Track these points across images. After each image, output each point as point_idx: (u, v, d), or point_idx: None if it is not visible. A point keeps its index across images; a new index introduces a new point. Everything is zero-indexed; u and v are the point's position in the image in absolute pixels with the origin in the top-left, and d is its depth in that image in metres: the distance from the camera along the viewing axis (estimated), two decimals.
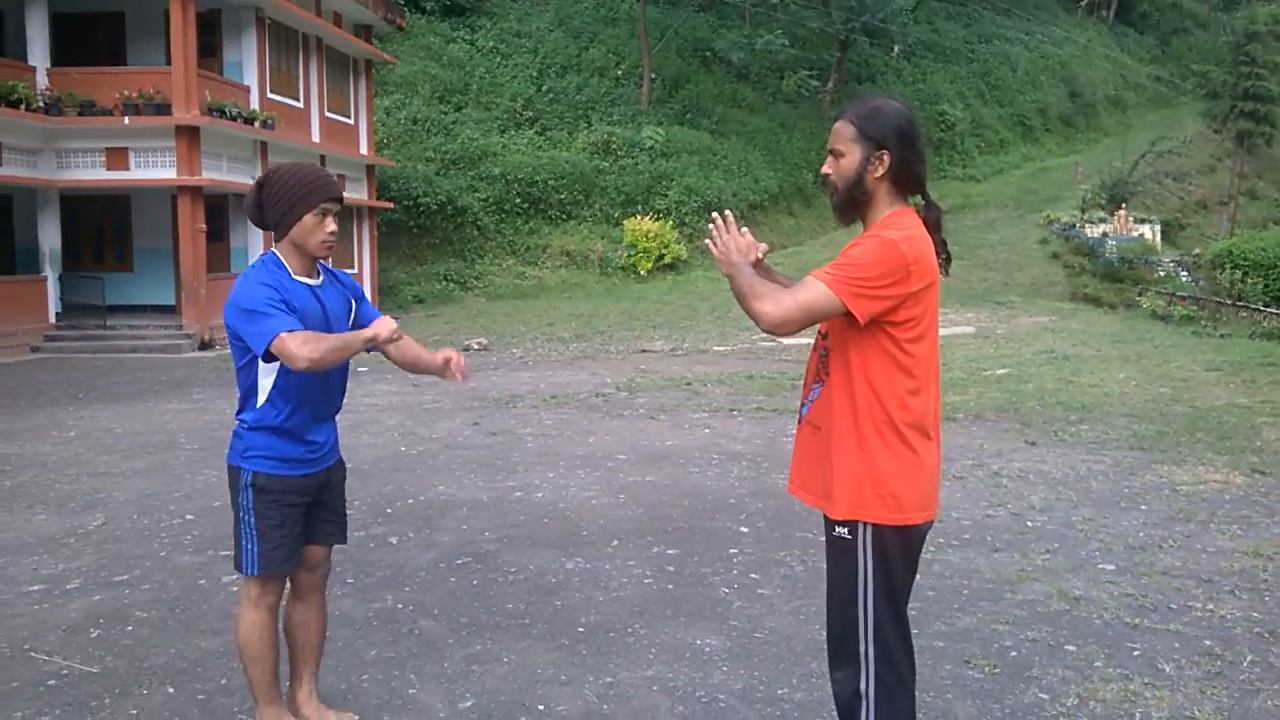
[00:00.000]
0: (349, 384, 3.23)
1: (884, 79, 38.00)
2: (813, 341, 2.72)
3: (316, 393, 3.03)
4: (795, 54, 34.02)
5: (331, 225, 2.97)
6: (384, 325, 2.96)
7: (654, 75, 31.57)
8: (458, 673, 3.68)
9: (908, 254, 2.41)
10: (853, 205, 2.56)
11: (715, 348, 14.87)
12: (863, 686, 2.54)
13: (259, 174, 17.95)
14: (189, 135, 16.00)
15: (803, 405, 2.66)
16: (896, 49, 39.10)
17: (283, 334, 2.78)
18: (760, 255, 2.69)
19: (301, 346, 2.76)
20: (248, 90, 17.92)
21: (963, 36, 43.35)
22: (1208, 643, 3.92)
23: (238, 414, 3.03)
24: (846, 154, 2.53)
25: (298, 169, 2.99)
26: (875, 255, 2.41)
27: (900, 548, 2.52)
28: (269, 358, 2.86)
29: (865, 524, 2.50)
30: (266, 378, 2.96)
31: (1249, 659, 3.77)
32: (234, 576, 4.77)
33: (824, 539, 2.66)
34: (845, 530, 2.52)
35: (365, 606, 4.33)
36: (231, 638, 3.97)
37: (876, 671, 2.53)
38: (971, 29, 44.43)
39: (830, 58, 35.67)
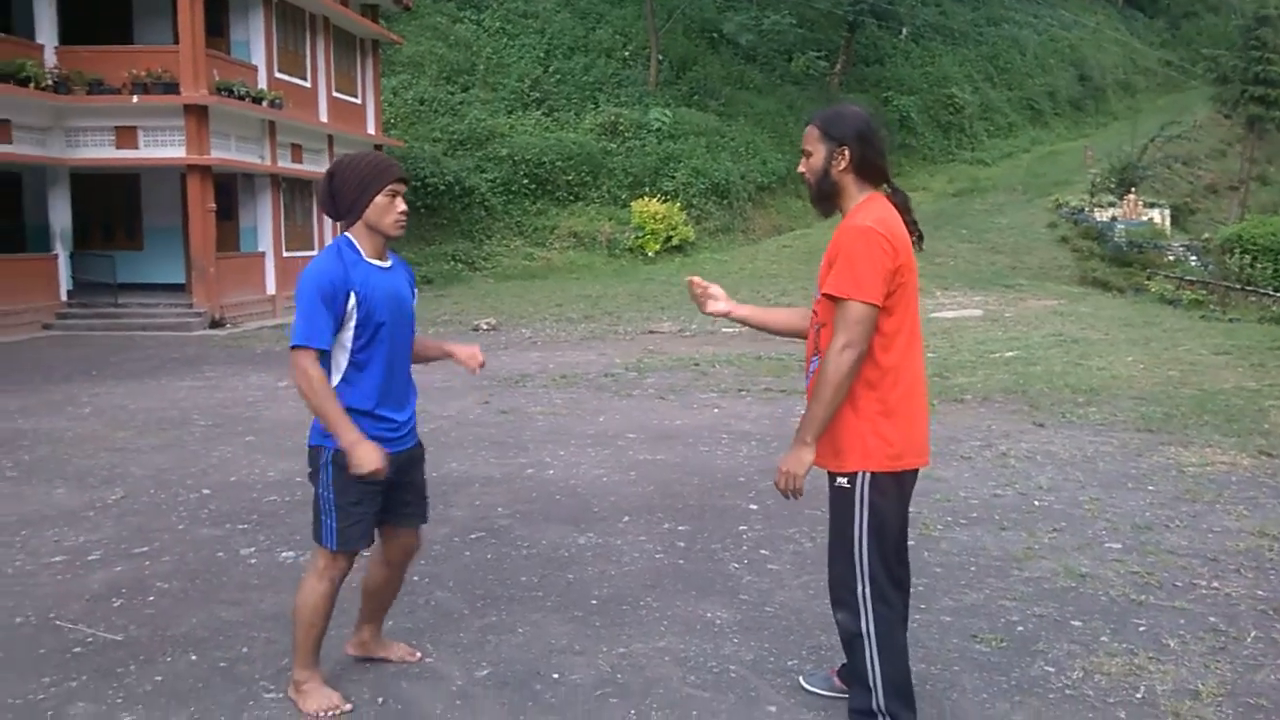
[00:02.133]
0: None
1: (892, 61, 37.86)
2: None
3: (386, 373, 3.13)
4: (803, 35, 33.88)
5: (402, 205, 3.10)
6: (367, 458, 2.99)
7: (661, 56, 31.48)
8: (474, 642, 3.75)
9: (884, 233, 2.79)
10: (824, 196, 2.97)
11: (724, 329, 14.90)
12: (863, 627, 2.89)
13: (267, 153, 17.99)
14: (198, 114, 16.03)
15: (806, 377, 3.02)
16: (905, 31, 38.90)
17: (303, 349, 2.97)
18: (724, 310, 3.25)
19: (302, 375, 2.97)
20: (256, 70, 17.93)
21: (971, 19, 43.11)
22: (1212, 619, 3.97)
23: None
24: (814, 152, 2.94)
25: (364, 155, 3.14)
26: (862, 246, 2.78)
27: (895, 491, 2.90)
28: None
29: (864, 473, 2.85)
30: (340, 355, 3.08)
31: (1253, 635, 3.82)
32: (251, 549, 4.85)
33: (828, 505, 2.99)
34: (845, 480, 2.88)
35: None
36: (252, 608, 4.08)
37: (875, 611, 2.88)
38: (980, 11, 44.16)
39: (838, 39, 35.52)
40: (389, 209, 3.07)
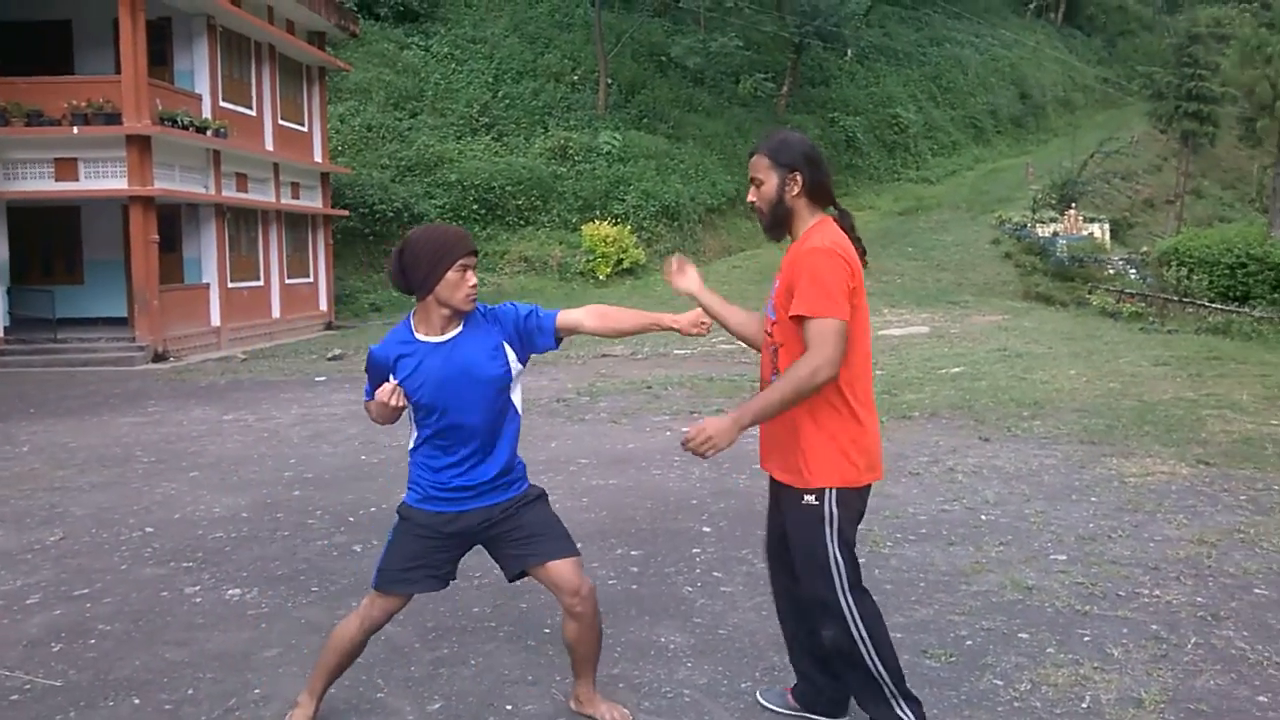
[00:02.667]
0: (496, 433, 3.14)
1: (838, 83, 38.42)
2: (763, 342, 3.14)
3: (449, 440, 3.10)
4: (750, 57, 34.29)
5: (473, 279, 3.05)
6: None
7: (610, 80, 31.67)
8: (425, 676, 3.71)
9: (843, 254, 2.89)
10: (778, 222, 3.04)
11: (676, 351, 14.96)
12: (855, 633, 2.99)
13: (211, 183, 17.78)
14: (140, 145, 15.80)
15: None
16: (850, 52, 39.53)
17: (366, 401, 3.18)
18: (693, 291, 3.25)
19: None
20: (200, 99, 17.74)
21: (914, 40, 43.92)
22: (1154, 627, 4.05)
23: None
24: (765, 181, 3.01)
25: (433, 230, 3.09)
26: (826, 266, 2.86)
27: (855, 504, 3.00)
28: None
29: (830, 489, 2.93)
30: (412, 417, 3.19)
31: (1193, 641, 3.90)
32: (197, 588, 4.76)
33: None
34: (813, 498, 2.94)
35: (330, 614, 4.34)
36: (198, 648, 4.01)
37: (862, 615, 2.99)
38: (923, 32, 45.02)
39: (785, 61, 35.99)
40: (460, 284, 3.01)
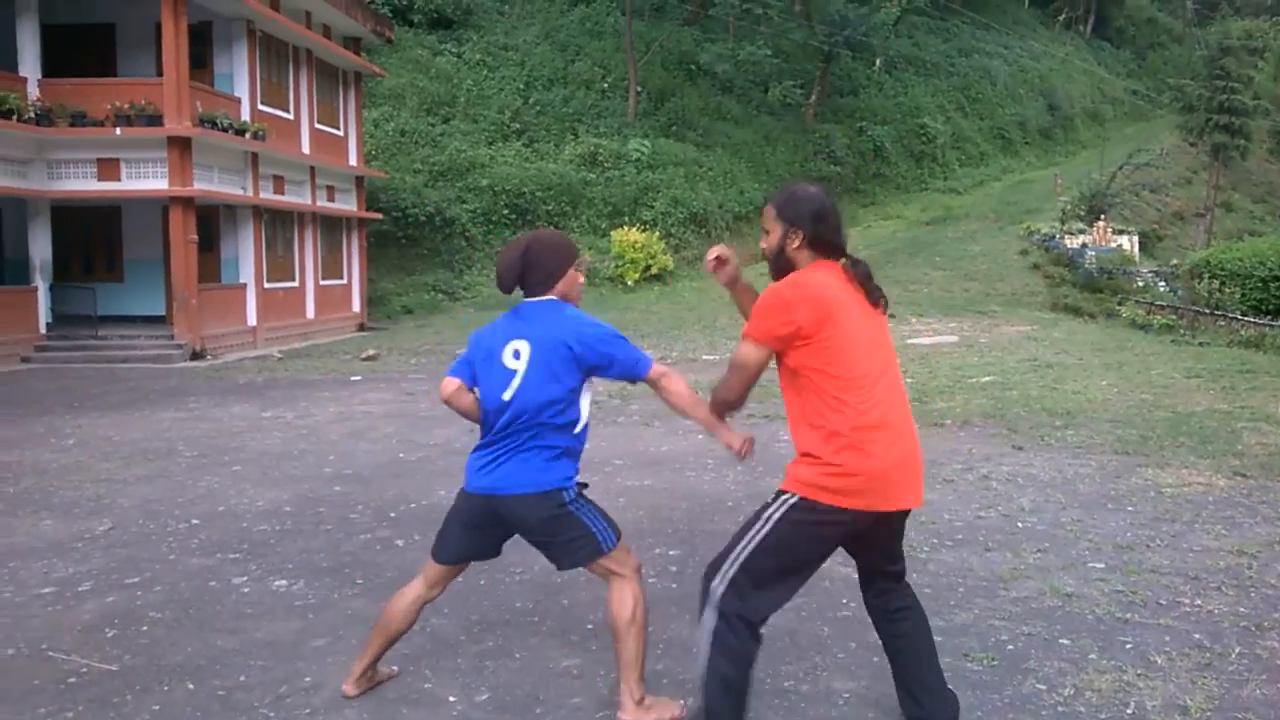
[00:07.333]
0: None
1: (866, 92, 38.39)
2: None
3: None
4: (779, 65, 34.33)
5: (582, 276, 3.40)
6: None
7: (640, 88, 31.79)
8: (471, 668, 3.78)
9: (788, 295, 2.98)
10: (778, 271, 3.14)
11: (705, 356, 15.00)
12: (714, 584, 3.01)
13: (249, 185, 17.97)
14: (181, 146, 16.04)
15: None
16: (878, 62, 39.50)
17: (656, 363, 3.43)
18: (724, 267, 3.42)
19: (682, 381, 3.57)
20: (239, 102, 17.98)
21: (943, 50, 43.80)
22: (1197, 636, 4.05)
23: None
24: (771, 231, 3.14)
25: (552, 233, 3.43)
26: (765, 297, 3.05)
27: (807, 520, 2.96)
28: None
29: (786, 494, 3.00)
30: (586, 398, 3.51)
31: (1237, 651, 3.90)
32: (244, 578, 4.85)
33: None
34: (771, 495, 3.08)
35: (376, 606, 4.40)
36: (247, 636, 4.09)
37: (732, 580, 2.98)
38: (951, 43, 44.90)
39: (814, 70, 36.00)
40: (576, 281, 3.38)
